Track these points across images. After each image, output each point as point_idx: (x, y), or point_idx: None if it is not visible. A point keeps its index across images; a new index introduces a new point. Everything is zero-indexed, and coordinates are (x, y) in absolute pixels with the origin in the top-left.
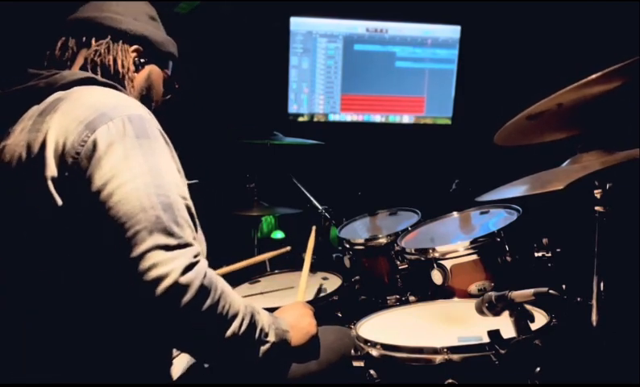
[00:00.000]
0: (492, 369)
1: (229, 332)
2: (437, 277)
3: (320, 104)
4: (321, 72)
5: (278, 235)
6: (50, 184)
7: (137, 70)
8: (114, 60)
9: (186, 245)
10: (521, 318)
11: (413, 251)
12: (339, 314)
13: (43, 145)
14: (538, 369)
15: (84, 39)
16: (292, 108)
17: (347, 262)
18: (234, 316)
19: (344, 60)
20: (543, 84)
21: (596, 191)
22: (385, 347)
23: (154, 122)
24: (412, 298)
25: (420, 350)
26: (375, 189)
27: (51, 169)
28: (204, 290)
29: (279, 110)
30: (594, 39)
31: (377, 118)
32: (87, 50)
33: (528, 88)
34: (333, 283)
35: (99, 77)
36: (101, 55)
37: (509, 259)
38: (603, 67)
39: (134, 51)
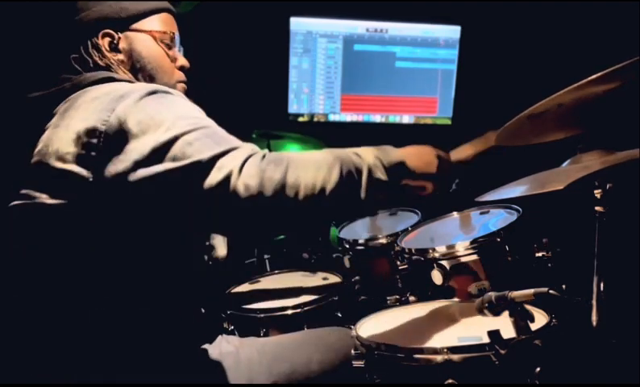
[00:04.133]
0: (492, 369)
1: (317, 189)
2: (437, 277)
3: (320, 104)
4: (321, 72)
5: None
6: (77, 166)
7: (118, 51)
8: (92, 58)
9: (237, 147)
10: (521, 318)
11: (413, 251)
12: (339, 314)
13: (67, 135)
14: (538, 369)
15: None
16: (293, 108)
17: (346, 262)
18: (314, 173)
19: (344, 60)
20: (543, 84)
21: (596, 191)
22: (385, 347)
23: (167, 88)
24: (412, 298)
25: (420, 350)
26: None
27: (77, 152)
28: (270, 169)
29: (279, 110)
30: (594, 39)
31: (377, 118)
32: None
33: (528, 88)
34: (333, 283)
35: (116, 75)
36: (83, 59)
37: (509, 259)
38: (603, 67)
39: (103, 37)
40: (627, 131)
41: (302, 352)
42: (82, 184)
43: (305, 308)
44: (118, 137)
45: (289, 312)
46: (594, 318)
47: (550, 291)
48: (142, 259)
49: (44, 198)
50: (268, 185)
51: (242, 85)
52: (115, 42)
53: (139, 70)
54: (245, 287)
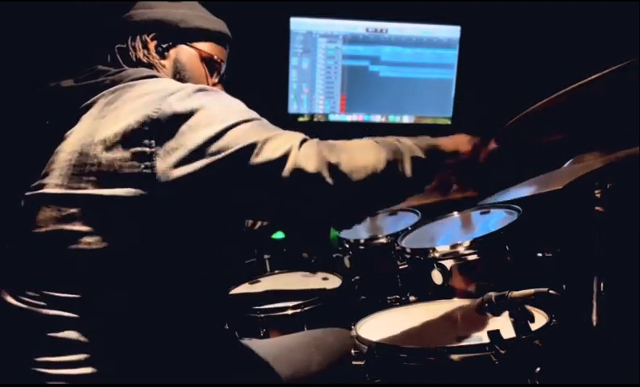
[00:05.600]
0: (492, 369)
1: (369, 169)
2: (437, 277)
3: (320, 104)
4: (321, 73)
5: (278, 235)
6: (128, 156)
7: (163, 57)
8: (136, 52)
9: (289, 132)
10: (521, 318)
11: (413, 251)
12: (339, 314)
13: (117, 126)
14: (538, 369)
15: (121, 44)
16: (293, 108)
17: (346, 262)
18: (364, 156)
19: (344, 60)
20: (543, 84)
21: (596, 191)
22: (385, 347)
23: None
24: (412, 298)
25: (420, 350)
26: None
27: (128, 142)
28: (325, 151)
29: (279, 110)
30: (594, 39)
31: (377, 118)
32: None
33: (528, 88)
34: (333, 283)
35: (159, 74)
36: (127, 51)
37: (509, 259)
38: (603, 67)
39: (152, 38)
40: (627, 131)
41: (302, 354)
42: (134, 174)
43: (305, 308)
44: (172, 126)
45: (289, 312)
46: (594, 318)
47: (550, 291)
48: (188, 253)
49: (86, 188)
50: (324, 166)
51: (242, 85)
52: (163, 47)
53: (179, 81)
54: (245, 287)
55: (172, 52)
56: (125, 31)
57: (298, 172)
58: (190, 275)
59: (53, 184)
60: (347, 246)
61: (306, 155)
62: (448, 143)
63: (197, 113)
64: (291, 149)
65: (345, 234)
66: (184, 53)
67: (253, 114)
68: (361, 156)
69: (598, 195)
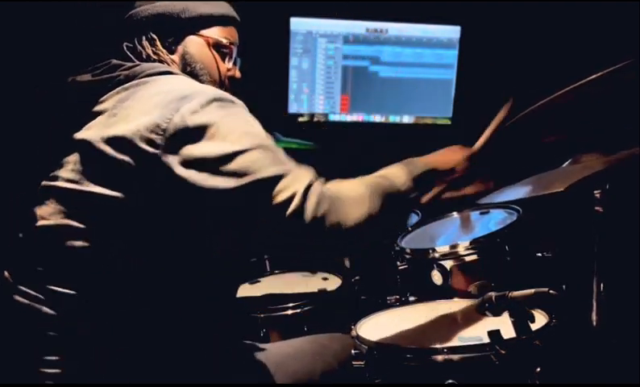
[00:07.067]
0: (492, 369)
1: (363, 223)
2: (437, 277)
3: (320, 104)
4: (321, 73)
5: None
6: (133, 158)
7: (172, 52)
8: (145, 50)
9: (298, 170)
10: (521, 318)
11: (412, 252)
12: (339, 315)
13: (126, 126)
14: (538, 369)
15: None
16: (293, 108)
17: (346, 262)
18: (362, 202)
19: (344, 60)
20: (543, 84)
21: (596, 191)
22: (385, 347)
23: (230, 96)
24: (412, 298)
25: (420, 350)
26: None
27: (136, 144)
28: (324, 203)
29: (279, 110)
30: (594, 39)
31: (377, 118)
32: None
33: (528, 88)
34: (333, 283)
35: (175, 69)
36: (136, 49)
37: (509, 259)
38: (603, 67)
39: (158, 35)
40: (627, 131)
41: (306, 362)
42: (140, 175)
43: (305, 308)
44: (180, 137)
45: (289, 312)
46: (594, 318)
47: (550, 291)
48: (187, 254)
49: (87, 182)
50: (320, 218)
51: (242, 85)
52: (170, 41)
53: (189, 74)
54: (245, 287)
55: (180, 46)
56: (130, 31)
57: (296, 215)
58: (190, 275)
59: (65, 178)
60: None
61: (310, 201)
62: (441, 161)
63: (209, 129)
64: (296, 193)
65: None
66: (193, 44)
67: (264, 140)
68: (356, 212)
69: (598, 195)
